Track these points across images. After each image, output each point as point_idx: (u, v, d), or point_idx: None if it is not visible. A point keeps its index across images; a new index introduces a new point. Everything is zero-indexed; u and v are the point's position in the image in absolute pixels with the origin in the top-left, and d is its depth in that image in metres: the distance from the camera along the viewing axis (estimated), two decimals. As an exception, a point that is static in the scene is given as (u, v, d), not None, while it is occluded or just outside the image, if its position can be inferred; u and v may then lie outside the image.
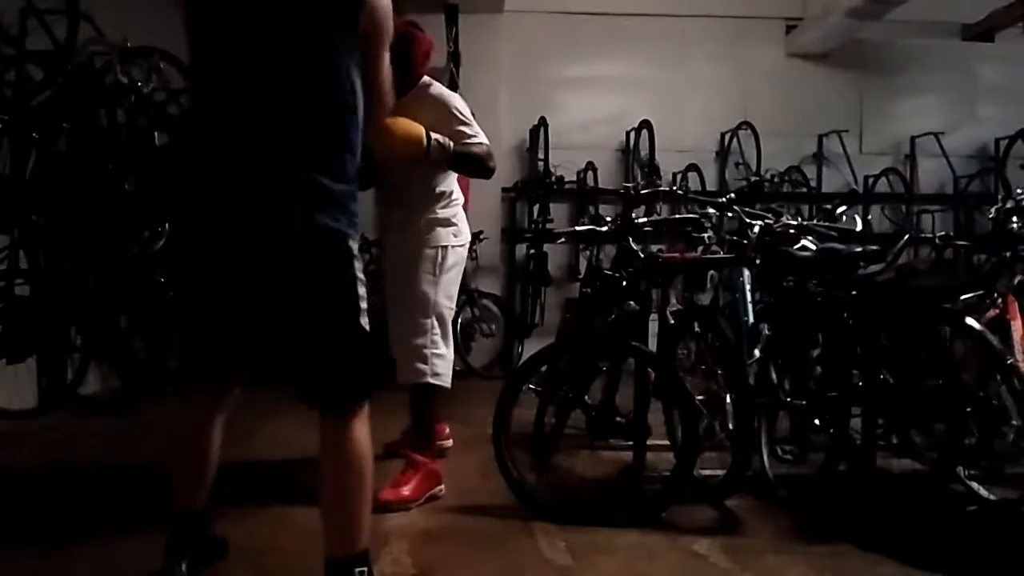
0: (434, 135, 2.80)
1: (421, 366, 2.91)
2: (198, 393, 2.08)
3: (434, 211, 2.99)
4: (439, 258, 2.95)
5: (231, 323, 1.96)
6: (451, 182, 3.08)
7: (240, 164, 1.85)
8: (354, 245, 1.91)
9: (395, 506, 2.73)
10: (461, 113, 2.95)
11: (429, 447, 3.00)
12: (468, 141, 2.91)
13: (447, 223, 3.01)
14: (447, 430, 3.42)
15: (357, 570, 1.81)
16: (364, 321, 1.90)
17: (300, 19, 1.83)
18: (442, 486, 2.92)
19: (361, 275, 1.91)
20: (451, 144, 2.84)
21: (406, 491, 2.78)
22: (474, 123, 2.99)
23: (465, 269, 3.54)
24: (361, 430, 1.88)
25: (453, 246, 3.01)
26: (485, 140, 2.98)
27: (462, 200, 3.13)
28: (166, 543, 2.01)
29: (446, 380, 2.97)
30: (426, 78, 3.03)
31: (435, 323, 2.93)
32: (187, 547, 2.02)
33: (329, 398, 1.90)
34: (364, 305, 1.91)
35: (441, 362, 2.95)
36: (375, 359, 1.97)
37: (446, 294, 2.98)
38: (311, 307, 1.88)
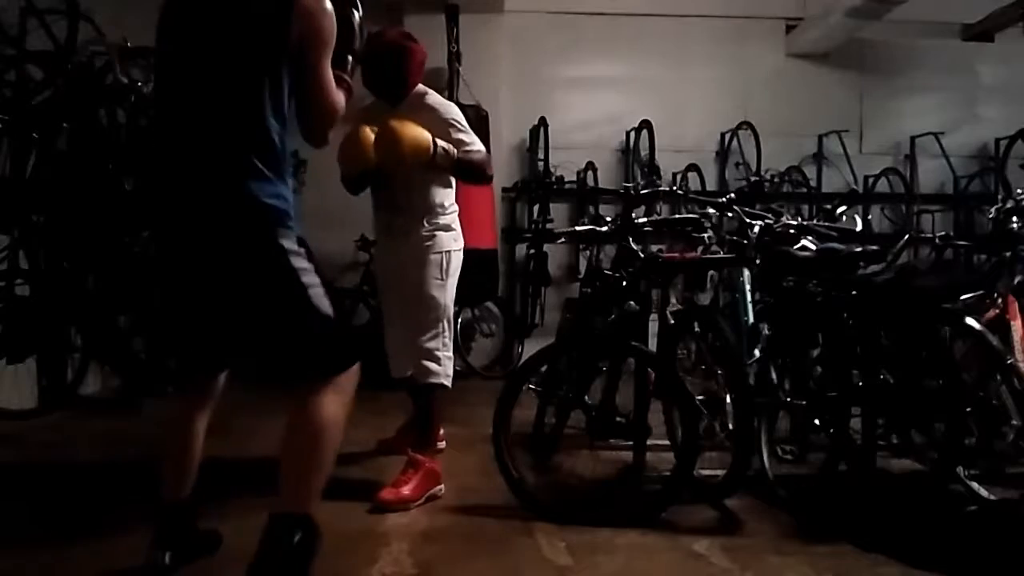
0: (440, 142, 2.84)
1: (433, 367, 2.95)
2: (181, 389, 2.19)
3: (436, 217, 3.04)
4: (444, 262, 3.00)
5: (192, 323, 2.07)
6: (451, 190, 3.12)
7: (178, 168, 1.96)
8: (286, 242, 1.91)
9: (395, 506, 2.73)
10: (459, 122, 2.99)
11: (430, 447, 3.01)
12: (468, 149, 2.94)
13: (448, 228, 3.07)
14: (441, 432, 3.42)
15: (295, 530, 1.80)
16: (318, 302, 1.92)
17: (230, 51, 1.91)
18: (442, 486, 2.92)
19: (302, 264, 1.91)
20: (455, 151, 2.88)
21: (406, 491, 2.78)
22: (471, 132, 3.03)
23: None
24: (329, 404, 1.89)
25: (455, 251, 3.07)
26: (482, 147, 3.03)
27: (457, 209, 3.17)
28: (152, 537, 2.07)
29: (450, 380, 3.03)
30: (421, 86, 3.07)
31: (445, 325, 2.98)
32: (172, 540, 2.09)
33: (291, 377, 1.93)
34: (312, 283, 1.91)
35: (449, 363, 3.02)
36: (340, 335, 2.00)
37: (450, 296, 3.03)
38: (250, 298, 1.93)
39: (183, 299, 2.06)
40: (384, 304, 3.27)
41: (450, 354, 3.02)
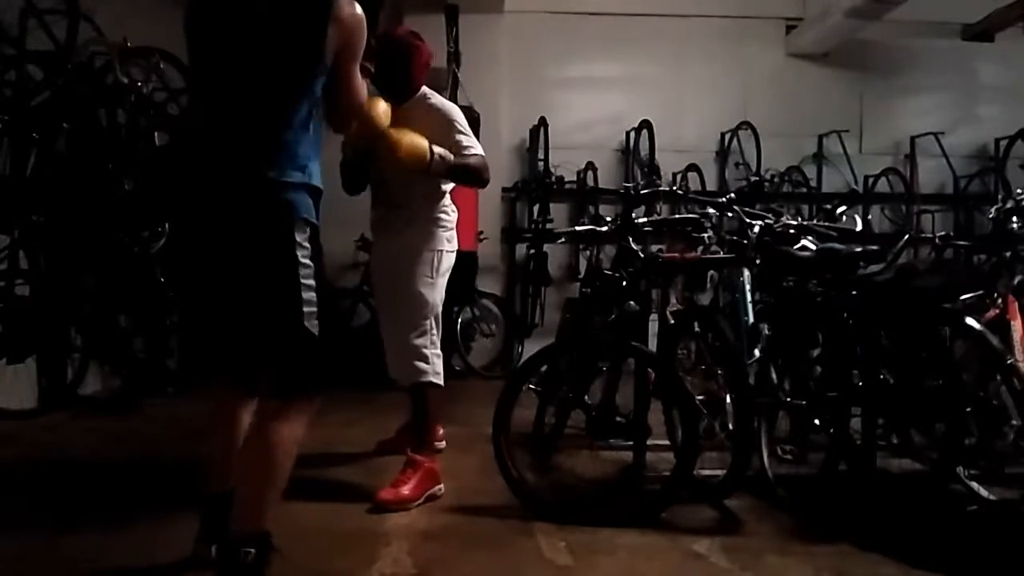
0: (436, 149, 2.84)
1: (422, 365, 2.95)
2: (220, 386, 2.21)
3: (432, 215, 3.04)
4: (435, 261, 3.00)
5: (217, 319, 2.08)
6: (447, 189, 3.12)
7: (210, 157, 2.01)
8: (300, 235, 1.95)
9: (394, 506, 2.74)
10: (460, 124, 3.00)
11: (428, 446, 3.01)
12: (466, 152, 2.95)
13: (444, 227, 3.07)
14: (441, 431, 3.43)
15: (244, 549, 1.84)
16: (310, 324, 1.95)
17: (268, 42, 1.98)
18: (441, 485, 2.92)
19: (308, 280, 1.94)
20: (451, 157, 2.88)
21: (405, 491, 2.79)
22: (471, 135, 3.03)
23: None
24: (286, 427, 1.93)
25: (447, 250, 3.06)
26: (481, 151, 3.02)
27: (456, 214, 3.17)
28: (198, 530, 2.14)
29: (441, 378, 3.03)
30: (425, 88, 3.08)
31: (432, 323, 2.98)
32: (217, 532, 2.10)
33: (259, 388, 1.99)
34: (309, 308, 1.94)
35: (438, 361, 3.01)
36: (318, 363, 2.01)
37: (440, 295, 3.03)
38: (255, 295, 1.96)
39: (201, 289, 2.09)
40: (378, 302, 3.28)
41: (438, 352, 3.01)
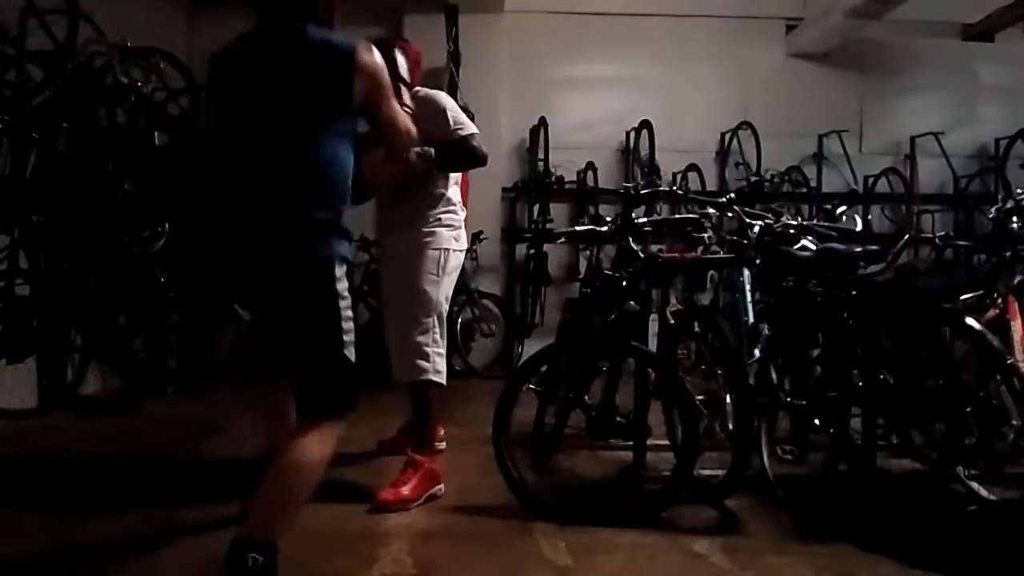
0: (414, 149, 2.84)
1: (423, 363, 2.95)
2: (270, 387, 2.42)
3: (437, 215, 3.04)
4: (442, 259, 3.00)
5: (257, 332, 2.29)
6: (454, 190, 3.14)
7: (248, 207, 2.15)
8: (339, 271, 2.10)
9: (394, 506, 2.74)
10: (450, 109, 3.01)
11: (428, 446, 3.01)
12: (461, 134, 2.97)
13: (450, 227, 3.07)
14: (441, 432, 3.43)
15: (251, 555, 1.86)
16: (349, 352, 2.09)
17: (296, 97, 2.11)
18: (441, 486, 2.92)
19: (347, 312, 2.09)
20: (432, 150, 2.89)
21: (405, 491, 2.79)
22: (461, 114, 3.05)
23: (465, 269, 3.54)
24: (317, 446, 2.02)
25: (454, 249, 3.07)
26: (474, 129, 3.03)
27: (464, 213, 3.19)
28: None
29: (444, 377, 3.03)
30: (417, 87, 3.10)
31: (436, 322, 2.97)
32: None
33: (298, 405, 2.11)
34: (348, 338, 2.09)
35: (440, 360, 3.00)
36: (351, 386, 2.13)
37: (445, 295, 3.03)
38: (298, 328, 2.12)
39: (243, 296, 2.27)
40: (384, 301, 3.28)
41: (441, 351, 3.00)
